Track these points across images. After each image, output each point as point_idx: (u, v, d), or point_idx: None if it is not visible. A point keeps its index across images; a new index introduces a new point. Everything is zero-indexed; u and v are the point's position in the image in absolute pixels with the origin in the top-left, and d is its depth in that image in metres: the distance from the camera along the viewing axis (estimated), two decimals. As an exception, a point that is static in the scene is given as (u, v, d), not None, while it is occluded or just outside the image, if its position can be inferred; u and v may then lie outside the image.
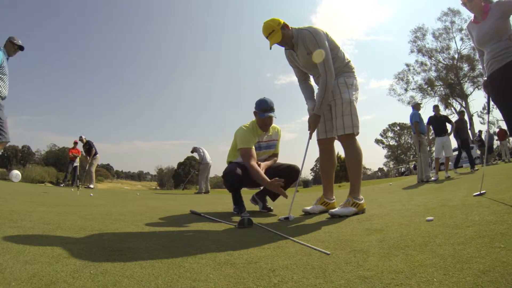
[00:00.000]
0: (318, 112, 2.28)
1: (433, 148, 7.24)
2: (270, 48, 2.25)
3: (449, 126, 6.83)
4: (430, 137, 7.08)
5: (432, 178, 6.32)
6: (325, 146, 2.51)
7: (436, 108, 6.90)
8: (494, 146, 15.46)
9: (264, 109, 2.68)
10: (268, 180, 2.46)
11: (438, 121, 6.77)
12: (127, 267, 1.04)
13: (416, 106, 6.80)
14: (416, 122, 6.43)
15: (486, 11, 2.32)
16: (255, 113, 2.75)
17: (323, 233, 1.65)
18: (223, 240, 1.55)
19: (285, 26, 2.25)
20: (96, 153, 9.08)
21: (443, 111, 25.18)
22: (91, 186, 8.55)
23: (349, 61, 2.40)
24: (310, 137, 2.38)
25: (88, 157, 9.01)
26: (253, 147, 2.72)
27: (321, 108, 2.27)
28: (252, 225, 1.97)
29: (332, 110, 2.35)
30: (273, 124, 2.88)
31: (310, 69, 2.42)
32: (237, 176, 2.62)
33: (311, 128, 2.34)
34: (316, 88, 2.51)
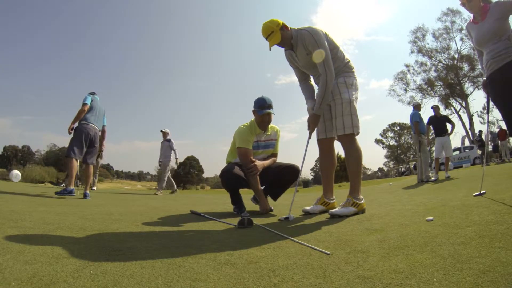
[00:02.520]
0: (318, 112, 2.28)
1: (433, 148, 7.21)
2: (270, 49, 2.25)
3: (449, 126, 6.83)
4: (430, 137, 7.08)
5: (432, 178, 6.32)
6: (325, 146, 2.51)
7: (436, 108, 6.89)
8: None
9: (262, 106, 2.69)
10: (259, 186, 2.71)
11: (438, 121, 6.77)
12: (127, 267, 1.04)
13: (417, 107, 6.82)
14: (416, 122, 6.44)
15: (485, 11, 2.31)
16: (254, 111, 2.76)
17: (323, 233, 1.65)
18: (223, 240, 1.55)
19: (284, 27, 2.24)
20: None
21: (443, 111, 25.22)
22: (94, 188, 8.15)
23: (349, 61, 2.40)
24: (309, 137, 2.39)
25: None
26: (250, 147, 2.73)
27: (321, 108, 2.27)
28: (252, 225, 1.97)
29: (332, 110, 2.35)
30: (272, 125, 2.88)
31: (309, 69, 2.42)
32: (234, 176, 2.62)
33: (311, 128, 2.34)
34: (316, 88, 2.52)
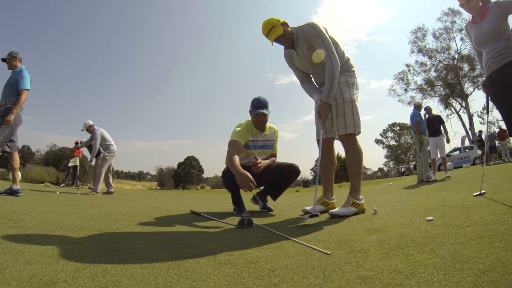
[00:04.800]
0: (327, 100, 2.23)
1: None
2: (272, 44, 2.25)
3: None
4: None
5: (432, 178, 6.33)
6: (325, 146, 2.50)
7: (428, 109, 6.94)
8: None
9: (256, 106, 2.69)
10: (241, 171, 2.25)
11: (431, 122, 6.80)
12: (127, 267, 1.04)
13: (418, 107, 6.82)
14: (417, 122, 6.45)
15: (484, 11, 2.31)
16: (250, 111, 2.76)
17: (323, 233, 1.65)
18: (223, 240, 1.55)
19: (284, 24, 2.25)
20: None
21: (443, 111, 25.20)
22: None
23: (348, 59, 2.40)
24: (322, 127, 2.33)
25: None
26: (242, 142, 2.64)
27: (330, 96, 2.23)
28: (252, 225, 1.97)
29: (333, 109, 2.35)
30: (271, 125, 2.88)
31: (310, 67, 2.40)
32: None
33: (323, 117, 2.28)
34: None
